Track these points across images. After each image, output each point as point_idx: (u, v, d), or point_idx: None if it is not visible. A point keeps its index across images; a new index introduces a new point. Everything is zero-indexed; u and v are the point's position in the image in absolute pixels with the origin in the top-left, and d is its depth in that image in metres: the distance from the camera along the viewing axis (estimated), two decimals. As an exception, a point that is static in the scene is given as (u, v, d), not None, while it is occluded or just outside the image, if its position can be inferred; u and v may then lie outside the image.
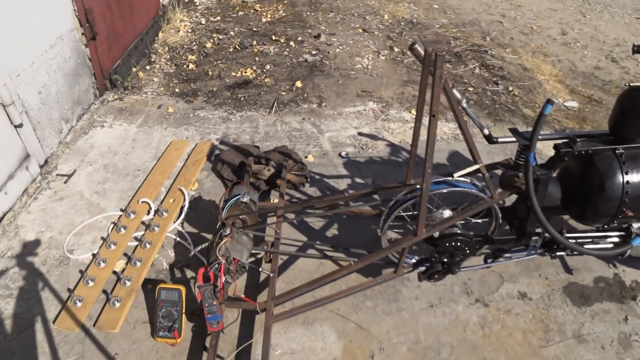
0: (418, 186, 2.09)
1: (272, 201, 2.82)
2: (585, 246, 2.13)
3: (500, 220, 2.22)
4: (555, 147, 1.98)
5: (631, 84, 1.90)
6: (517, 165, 2.03)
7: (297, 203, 2.57)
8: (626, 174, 1.90)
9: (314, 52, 4.67)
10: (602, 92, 4.40)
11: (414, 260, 2.26)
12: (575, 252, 2.22)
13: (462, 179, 2.10)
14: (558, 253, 2.24)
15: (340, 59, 4.64)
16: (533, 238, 2.14)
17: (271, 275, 2.09)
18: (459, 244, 2.07)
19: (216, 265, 1.88)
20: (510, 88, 4.43)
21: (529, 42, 5.40)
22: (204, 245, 2.27)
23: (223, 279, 1.86)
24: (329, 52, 4.74)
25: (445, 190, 2.06)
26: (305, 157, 3.25)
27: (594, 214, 2.01)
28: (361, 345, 2.07)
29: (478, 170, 2.03)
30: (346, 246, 2.45)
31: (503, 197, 2.06)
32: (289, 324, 2.06)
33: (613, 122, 1.99)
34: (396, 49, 4.97)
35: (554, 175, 2.15)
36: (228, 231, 1.96)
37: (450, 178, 2.09)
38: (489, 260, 2.26)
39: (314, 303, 2.02)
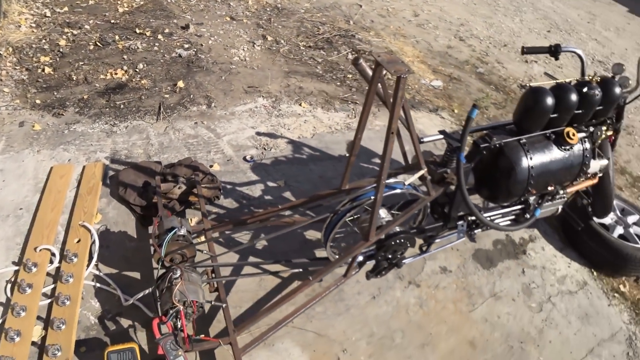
0: (359, 192, 2.21)
1: (191, 222, 2.66)
2: (501, 224, 2.55)
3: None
4: (475, 142, 2.27)
5: (531, 85, 2.28)
6: (445, 161, 2.29)
7: (226, 221, 2.48)
8: (530, 159, 2.29)
9: (186, 46, 4.38)
10: (458, 70, 5.06)
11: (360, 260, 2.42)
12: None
13: (394, 180, 2.28)
14: (477, 232, 2.60)
15: (216, 52, 4.45)
16: (459, 222, 2.46)
17: (223, 306, 2.02)
18: (402, 240, 2.27)
19: (174, 313, 1.74)
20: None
21: (387, 25, 5.85)
22: (145, 292, 2.06)
23: (185, 325, 1.74)
24: (202, 45, 4.49)
25: (390, 193, 2.22)
26: (211, 167, 3.11)
27: (505, 195, 2.41)
28: (325, 351, 2.18)
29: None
30: (281, 257, 2.47)
31: (438, 193, 2.31)
32: (252, 351, 2.03)
33: (517, 117, 2.39)
34: (269, 38, 4.94)
35: None
36: (178, 273, 1.82)
37: (390, 181, 2.25)
38: (424, 249, 2.53)
39: (277, 325, 2.04)
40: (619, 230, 3.24)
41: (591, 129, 2.53)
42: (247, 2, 5.66)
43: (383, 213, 2.34)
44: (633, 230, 3.24)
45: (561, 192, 2.64)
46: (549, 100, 2.25)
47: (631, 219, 3.33)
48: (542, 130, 2.39)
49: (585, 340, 2.76)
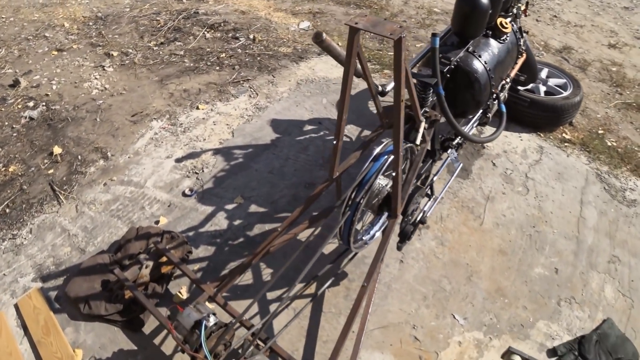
0: (362, 176, 1.99)
1: (182, 294, 2.24)
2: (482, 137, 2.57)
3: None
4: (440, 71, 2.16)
5: None
6: (421, 102, 2.15)
7: (227, 274, 2.10)
8: (485, 63, 2.27)
9: (31, 105, 3.53)
10: (314, 3, 4.83)
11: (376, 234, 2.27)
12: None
13: (385, 142, 2.10)
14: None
15: (69, 95, 3.67)
16: (449, 151, 2.40)
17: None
18: (415, 198, 2.13)
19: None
20: (251, 36, 4.40)
21: (226, -11, 5.34)
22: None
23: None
24: (47, 95, 3.66)
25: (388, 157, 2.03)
26: (158, 223, 2.62)
27: (475, 106, 2.37)
28: (399, 338, 2.08)
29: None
30: (308, 278, 2.21)
31: (430, 135, 2.18)
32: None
33: (457, 25, 2.28)
34: (114, 53, 4.21)
35: None
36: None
37: (379, 148, 2.06)
38: (429, 193, 2.44)
39: (359, 339, 1.81)
40: (543, 88, 3.47)
41: (514, 10, 2.55)
42: (62, 26, 4.70)
43: (384, 181, 2.16)
44: (552, 83, 3.50)
45: (507, 79, 2.68)
46: (485, 0, 2.19)
47: (544, 74, 3.59)
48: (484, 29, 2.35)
49: (573, 195, 2.98)
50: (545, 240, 2.69)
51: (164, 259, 2.24)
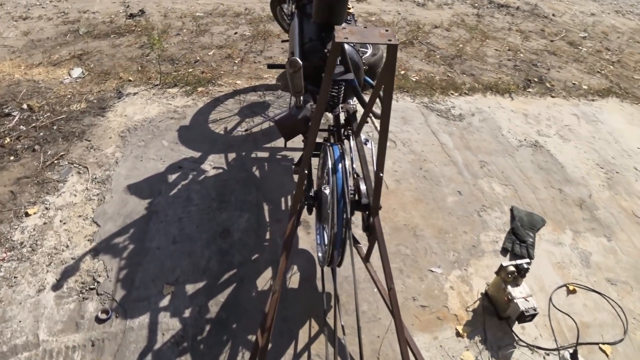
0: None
1: None
2: None
3: None
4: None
5: None
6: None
7: None
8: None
9: None
10: (67, 45, 4.05)
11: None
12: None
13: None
14: None
15: None
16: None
17: None
18: None
19: None
20: (25, 105, 3.45)
21: None
22: None
23: None
24: None
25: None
26: None
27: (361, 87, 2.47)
28: (408, 247, 2.10)
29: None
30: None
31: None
32: None
33: (323, 16, 2.29)
34: None
35: None
36: None
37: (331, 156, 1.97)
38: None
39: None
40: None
41: None
42: None
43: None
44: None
45: None
46: None
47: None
48: None
49: (424, 130, 3.48)
50: (436, 175, 3.10)
51: None
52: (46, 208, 2.63)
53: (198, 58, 4.07)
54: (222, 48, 4.25)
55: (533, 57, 4.77)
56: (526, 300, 2.16)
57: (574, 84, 4.39)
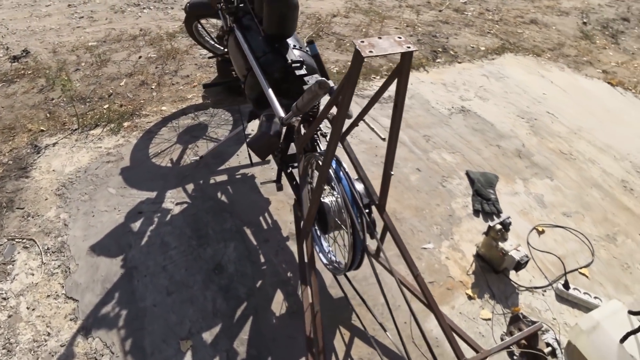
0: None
1: None
2: None
3: None
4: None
5: None
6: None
7: None
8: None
9: None
10: None
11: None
12: None
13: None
14: None
15: None
16: None
17: None
18: None
19: None
20: None
21: None
22: None
23: None
24: None
25: None
26: None
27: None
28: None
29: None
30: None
31: None
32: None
33: (276, 28, 2.28)
34: None
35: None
36: None
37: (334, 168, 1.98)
38: None
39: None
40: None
41: None
42: None
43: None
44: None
45: None
46: None
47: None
48: None
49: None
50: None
51: None
52: (3, 298, 2.27)
53: (111, 91, 3.72)
54: (132, 76, 3.94)
55: (430, 29, 5.14)
56: (517, 250, 2.39)
57: (472, 47, 4.84)
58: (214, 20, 3.71)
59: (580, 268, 2.57)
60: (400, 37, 1.42)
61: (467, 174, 3.14)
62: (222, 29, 2.87)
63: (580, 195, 3.07)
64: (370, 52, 1.33)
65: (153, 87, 3.85)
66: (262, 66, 2.29)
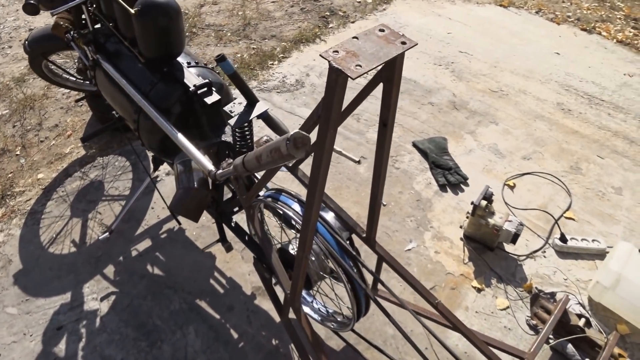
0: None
1: None
2: None
3: None
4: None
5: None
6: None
7: None
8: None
9: None
10: None
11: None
12: None
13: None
14: None
15: None
16: None
17: None
18: None
19: None
20: None
21: None
22: None
23: None
24: None
25: None
26: None
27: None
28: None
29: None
30: None
31: None
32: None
33: (160, 48, 1.72)
34: None
35: None
36: None
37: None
38: None
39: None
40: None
41: None
42: None
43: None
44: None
45: None
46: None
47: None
48: None
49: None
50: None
51: None
52: None
53: (-45, 179, 2.80)
54: (-20, 147, 3.01)
55: (309, -6, 4.67)
56: (509, 221, 2.15)
57: (358, 2, 4.47)
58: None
59: (565, 212, 2.42)
60: (383, 30, 0.97)
61: (415, 145, 2.83)
62: (81, 61, 2.16)
63: (529, 132, 2.92)
64: (358, 67, 0.87)
65: (18, 152, 2.97)
66: (155, 103, 1.71)
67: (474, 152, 2.79)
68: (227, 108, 1.60)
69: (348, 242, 1.60)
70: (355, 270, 1.53)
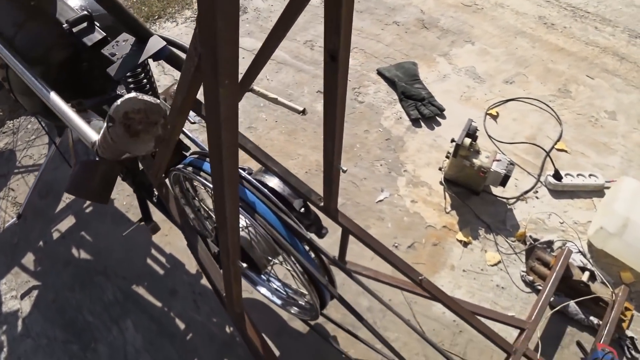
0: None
1: None
2: None
3: None
4: None
5: None
6: None
7: None
8: None
9: None
10: None
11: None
12: None
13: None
14: None
15: None
16: None
17: None
18: None
19: None
20: None
21: None
22: None
23: None
24: None
25: None
26: None
27: None
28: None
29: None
30: None
31: None
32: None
33: None
34: None
35: None
36: None
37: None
38: None
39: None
40: None
41: None
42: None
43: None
44: None
45: None
46: None
47: None
48: None
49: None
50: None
51: None
52: None
53: None
54: None
55: None
56: (497, 160, 1.79)
57: None
58: None
59: (556, 144, 2.08)
60: None
61: (380, 73, 2.38)
62: None
63: (510, 51, 2.51)
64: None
65: None
66: (23, 53, 1.17)
67: (449, 77, 2.36)
68: (105, 50, 1.08)
69: (302, 210, 1.19)
70: (312, 256, 1.14)
